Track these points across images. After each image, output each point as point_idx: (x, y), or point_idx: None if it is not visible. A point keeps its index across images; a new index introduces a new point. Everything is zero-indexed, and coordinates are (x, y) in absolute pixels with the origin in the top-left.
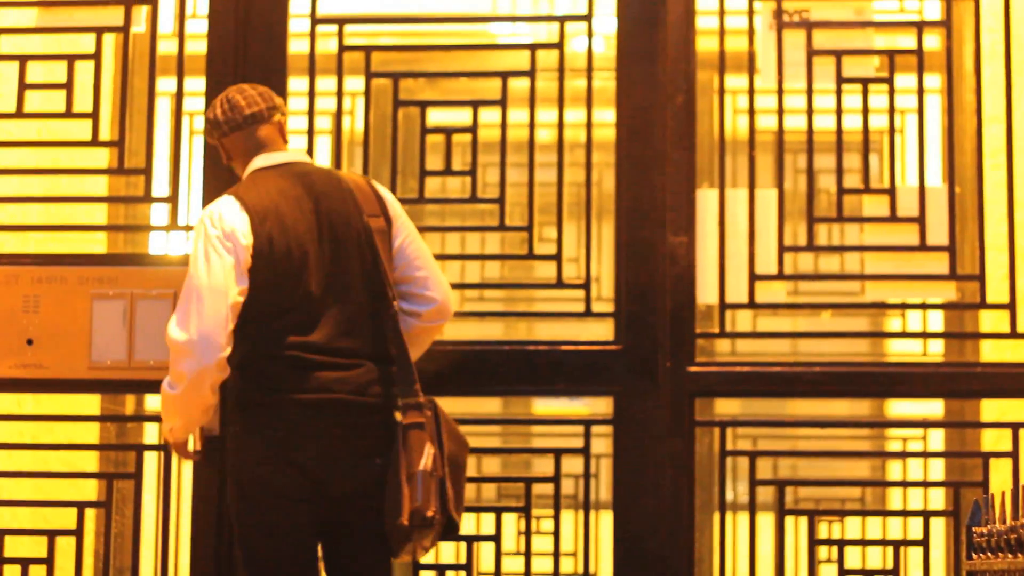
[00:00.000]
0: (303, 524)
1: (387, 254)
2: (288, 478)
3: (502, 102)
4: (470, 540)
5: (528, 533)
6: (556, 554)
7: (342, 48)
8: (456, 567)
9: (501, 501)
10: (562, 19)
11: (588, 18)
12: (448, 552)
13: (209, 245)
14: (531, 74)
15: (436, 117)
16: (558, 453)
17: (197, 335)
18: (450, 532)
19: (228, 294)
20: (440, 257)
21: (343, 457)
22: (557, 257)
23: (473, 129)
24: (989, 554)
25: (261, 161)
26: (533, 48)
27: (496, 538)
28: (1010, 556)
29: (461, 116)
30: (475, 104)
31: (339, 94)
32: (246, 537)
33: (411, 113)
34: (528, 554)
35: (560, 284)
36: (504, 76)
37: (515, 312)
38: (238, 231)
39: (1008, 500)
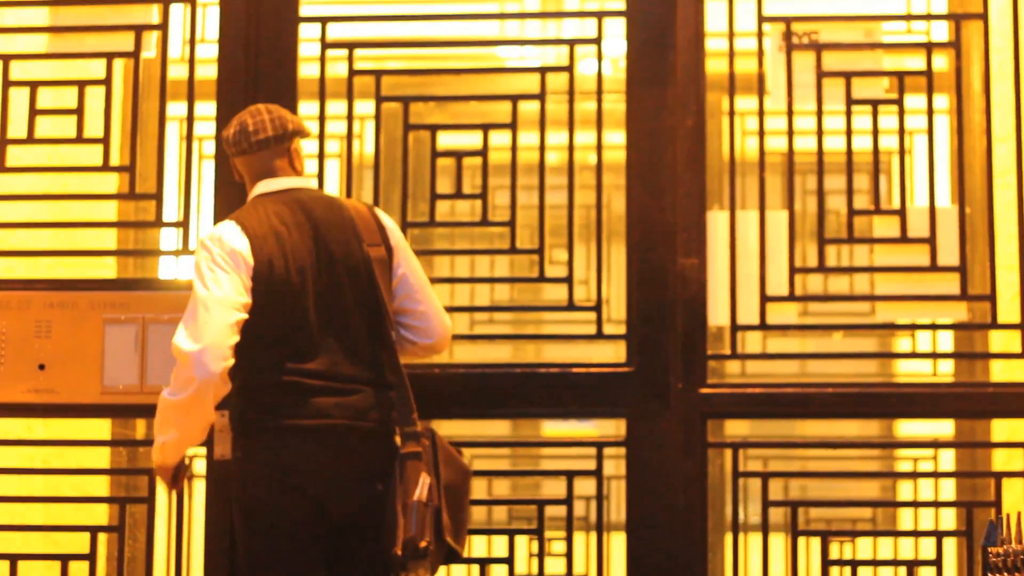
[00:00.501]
0: (306, 549)
1: (386, 283)
2: (290, 502)
3: (512, 125)
4: (483, 563)
5: (541, 555)
6: None
7: (352, 72)
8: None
9: (512, 523)
10: (572, 42)
11: (598, 41)
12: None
13: (212, 263)
14: (541, 97)
15: (446, 140)
16: (571, 475)
17: (205, 344)
18: (452, 559)
19: (233, 305)
20: (450, 280)
21: (344, 481)
22: (568, 279)
23: (483, 152)
24: (1006, 574)
25: (263, 187)
26: (543, 71)
27: (509, 560)
28: None
29: (471, 139)
30: (485, 127)
31: (349, 118)
32: (251, 563)
33: (421, 136)
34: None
35: (571, 307)
36: (514, 99)
37: (525, 335)
38: (240, 252)
39: None
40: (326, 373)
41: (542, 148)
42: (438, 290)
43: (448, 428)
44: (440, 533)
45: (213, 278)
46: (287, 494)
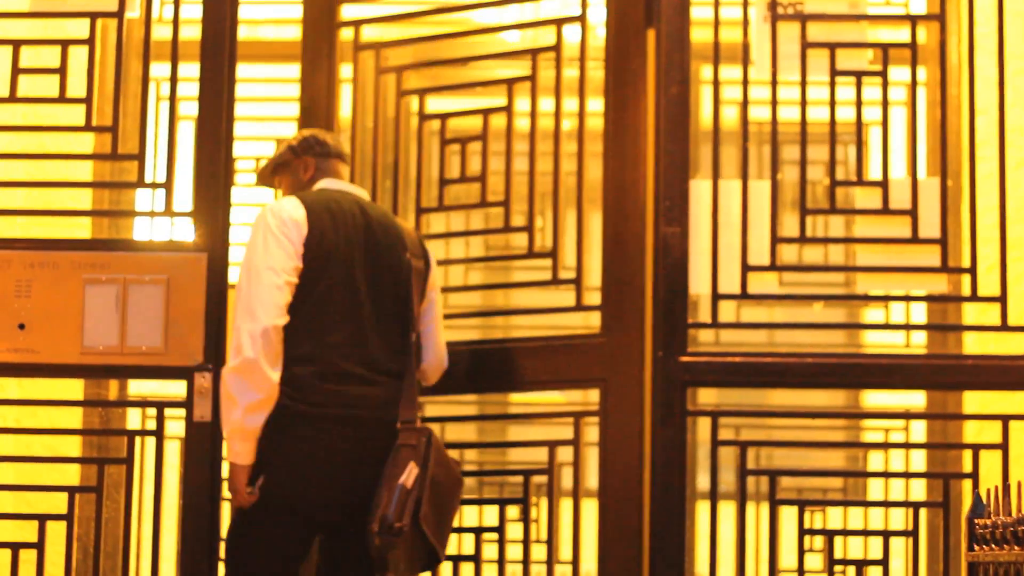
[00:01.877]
0: (294, 537)
1: (419, 293)
2: (311, 488)
3: (508, 108)
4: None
5: (525, 522)
6: (551, 542)
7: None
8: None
9: (483, 492)
10: (558, 21)
11: (582, 18)
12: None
13: (268, 232)
14: (532, 79)
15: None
16: (552, 445)
17: (256, 303)
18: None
19: (284, 268)
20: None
21: (357, 468)
22: (553, 254)
23: (483, 138)
24: (994, 546)
25: (328, 183)
26: (534, 53)
27: (500, 529)
28: (1016, 548)
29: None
30: (486, 112)
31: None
32: (236, 545)
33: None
34: (527, 542)
35: (556, 280)
36: (510, 83)
37: (510, 311)
38: (296, 219)
39: (1014, 492)
40: (361, 360)
41: (533, 130)
42: None
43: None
44: (417, 520)
45: (264, 249)
46: (309, 481)
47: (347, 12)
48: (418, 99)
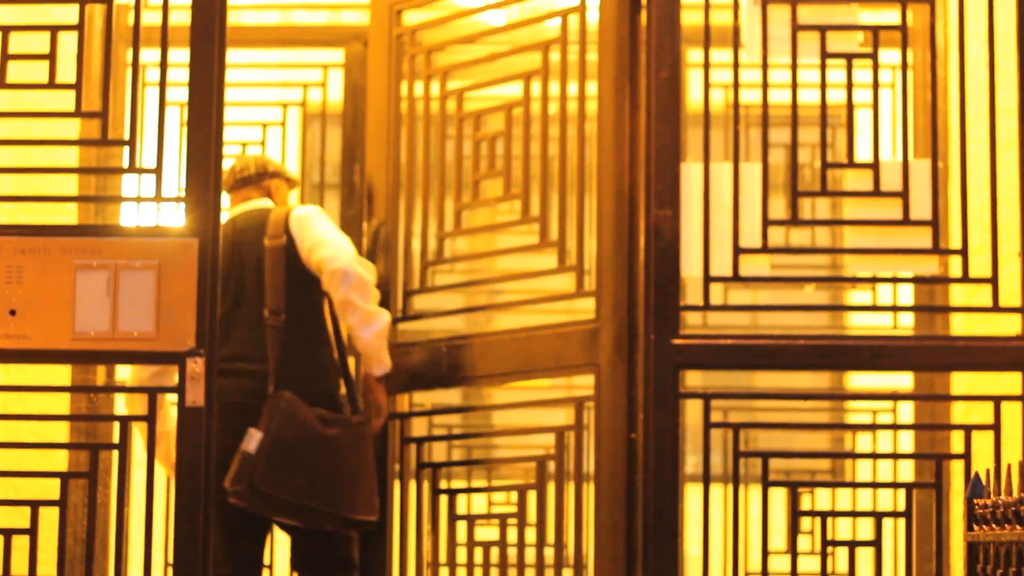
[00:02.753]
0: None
1: (286, 266)
2: None
3: (524, 102)
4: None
5: (542, 508)
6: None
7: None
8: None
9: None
10: (564, 13)
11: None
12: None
13: None
14: (544, 72)
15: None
16: (560, 432)
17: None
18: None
19: None
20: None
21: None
22: (560, 243)
23: (507, 134)
24: (995, 526)
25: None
26: (546, 47)
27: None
28: (1018, 528)
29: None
30: (508, 108)
31: None
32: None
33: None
34: (521, 526)
35: (562, 268)
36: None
37: (517, 303)
38: None
39: (1015, 472)
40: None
41: (544, 117)
42: None
43: (422, 396)
44: (249, 478)
45: None
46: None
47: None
48: (456, 98)
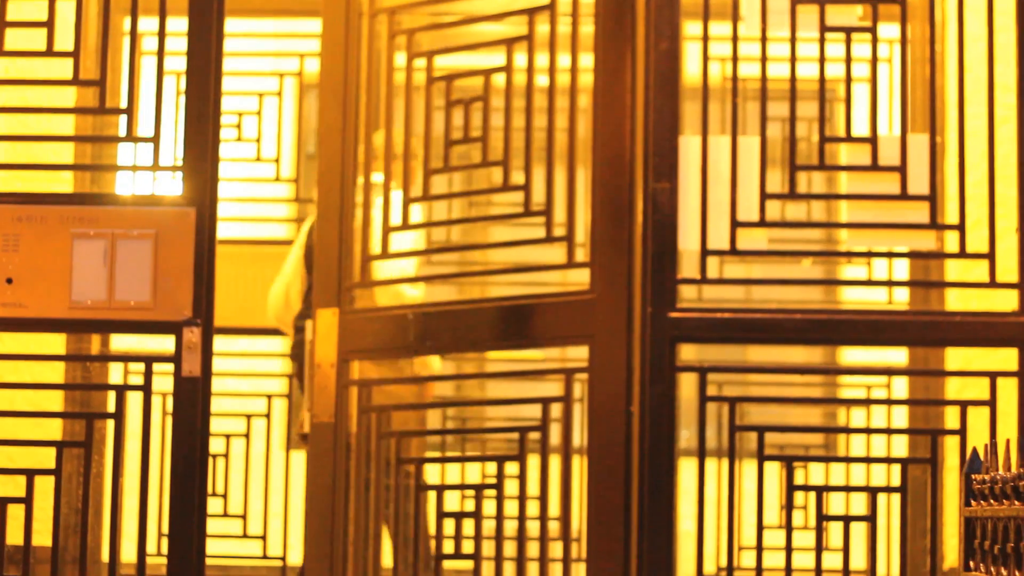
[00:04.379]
0: None
1: None
2: None
3: (507, 68)
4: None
5: (522, 479)
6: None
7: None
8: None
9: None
10: None
11: None
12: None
13: None
14: (529, 38)
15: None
16: (546, 402)
17: None
18: None
19: None
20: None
21: None
22: (547, 212)
23: (484, 98)
24: (992, 501)
25: None
26: (531, 12)
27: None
28: (1017, 503)
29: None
30: (487, 73)
31: None
32: None
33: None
34: (523, 499)
35: (550, 238)
36: (509, 43)
37: (503, 270)
38: None
39: (1014, 448)
40: None
41: (529, 87)
42: None
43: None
44: None
45: None
46: None
47: None
48: (426, 60)
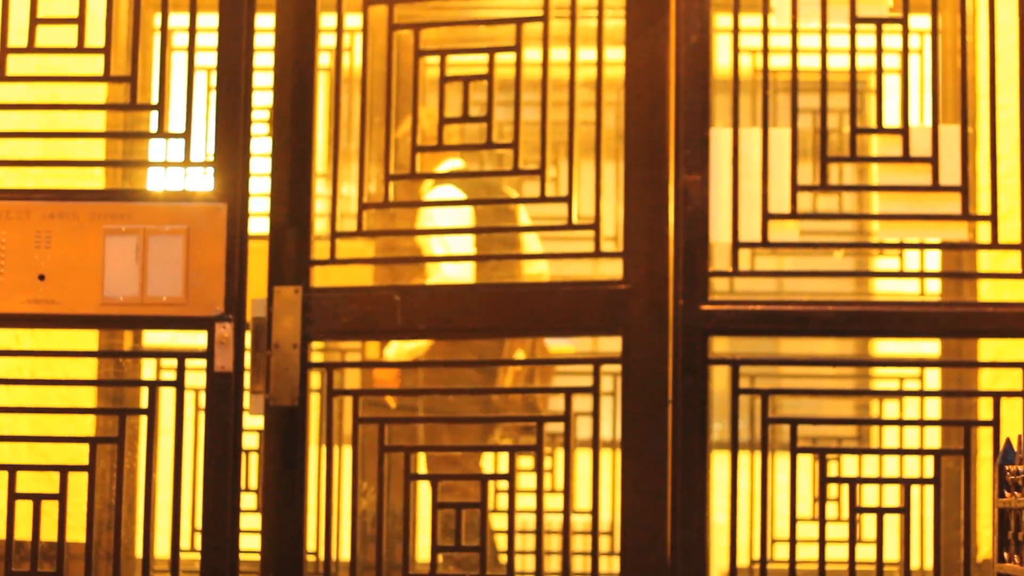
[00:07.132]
0: None
1: None
2: None
3: (517, 47)
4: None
5: (539, 471)
6: (568, 492)
7: None
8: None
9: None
10: None
11: None
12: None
13: None
14: (544, 19)
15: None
16: (568, 392)
17: None
18: None
19: None
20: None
21: None
22: (568, 199)
23: (489, 76)
24: None
25: None
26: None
27: (510, 476)
28: None
29: (477, 59)
30: (491, 51)
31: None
32: None
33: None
34: (540, 492)
35: (571, 226)
36: (519, 22)
37: (524, 255)
38: None
39: None
40: None
41: (545, 67)
42: None
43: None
44: None
45: None
46: None
47: None
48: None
